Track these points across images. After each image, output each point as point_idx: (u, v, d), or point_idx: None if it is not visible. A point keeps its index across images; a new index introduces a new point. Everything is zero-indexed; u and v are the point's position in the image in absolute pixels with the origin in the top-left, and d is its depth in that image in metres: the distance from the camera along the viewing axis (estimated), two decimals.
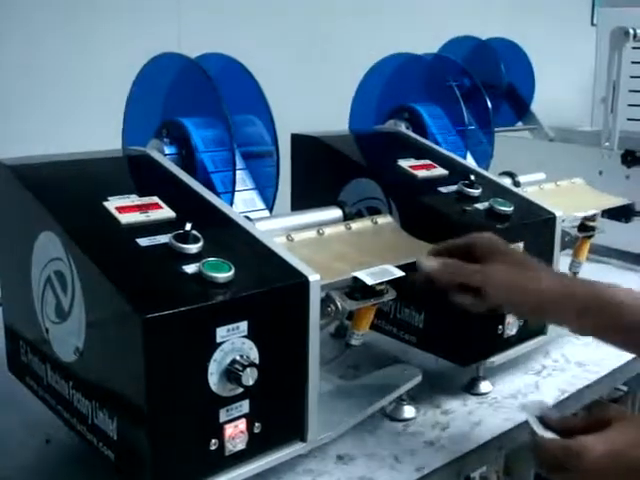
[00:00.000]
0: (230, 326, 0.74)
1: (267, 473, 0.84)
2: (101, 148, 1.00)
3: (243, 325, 0.75)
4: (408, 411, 1.04)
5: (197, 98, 1.05)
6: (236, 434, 0.78)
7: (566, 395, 1.12)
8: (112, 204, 0.84)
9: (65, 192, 0.88)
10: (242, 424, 0.78)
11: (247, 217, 0.92)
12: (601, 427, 0.76)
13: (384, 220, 1.06)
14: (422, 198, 1.10)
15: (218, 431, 0.76)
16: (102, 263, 0.76)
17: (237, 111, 1.04)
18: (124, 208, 0.84)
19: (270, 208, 1.07)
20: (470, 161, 1.34)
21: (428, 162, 1.19)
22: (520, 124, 1.95)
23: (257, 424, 0.79)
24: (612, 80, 1.75)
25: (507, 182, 1.24)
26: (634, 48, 1.82)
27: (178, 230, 0.79)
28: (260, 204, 1.06)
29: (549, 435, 0.78)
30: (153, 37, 1.52)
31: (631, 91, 1.97)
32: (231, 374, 0.74)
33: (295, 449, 0.85)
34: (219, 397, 0.75)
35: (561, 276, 0.99)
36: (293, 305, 0.81)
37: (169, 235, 0.79)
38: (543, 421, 0.80)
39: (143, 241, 0.79)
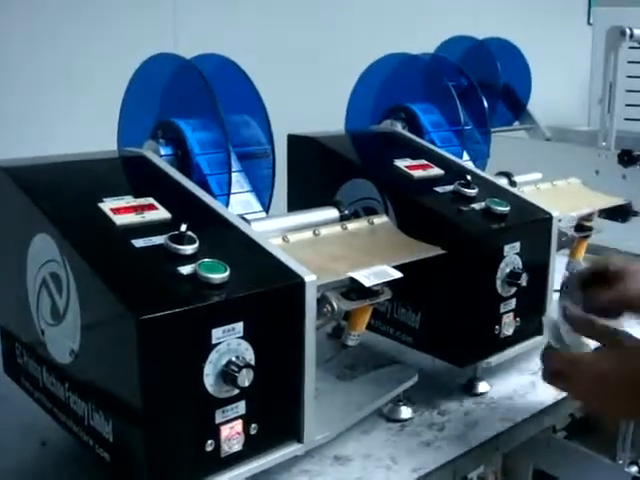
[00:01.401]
0: (226, 327, 0.74)
1: (263, 474, 0.84)
2: (96, 149, 1.00)
3: (239, 326, 0.75)
4: (405, 412, 1.03)
5: (192, 99, 1.04)
6: (232, 435, 0.77)
7: (563, 395, 1.12)
8: (107, 205, 0.84)
9: (60, 194, 0.88)
10: (238, 425, 0.78)
11: (243, 218, 0.92)
12: (613, 344, 0.82)
13: (380, 220, 1.06)
14: (418, 198, 1.10)
15: (214, 432, 0.76)
16: (97, 264, 0.76)
17: (233, 112, 1.04)
18: (119, 209, 0.84)
19: (266, 209, 1.07)
20: (466, 161, 1.34)
21: (424, 162, 1.18)
22: (516, 124, 1.95)
23: (253, 425, 0.79)
24: (608, 80, 1.76)
25: (503, 182, 1.24)
26: (630, 48, 1.82)
27: (173, 231, 0.79)
28: (256, 206, 1.06)
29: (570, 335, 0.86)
30: (149, 37, 1.52)
31: (628, 91, 1.97)
32: (227, 375, 0.74)
33: (291, 450, 0.84)
34: (215, 398, 0.75)
35: None
36: (289, 306, 0.80)
37: (164, 236, 0.79)
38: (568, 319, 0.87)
39: (138, 242, 0.79)
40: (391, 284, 0.91)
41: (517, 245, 1.05)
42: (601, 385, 0.80)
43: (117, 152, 1.06)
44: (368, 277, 0.88)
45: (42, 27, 1.44)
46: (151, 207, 0.86)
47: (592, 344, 0.88)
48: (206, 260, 0.77)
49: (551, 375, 0.85)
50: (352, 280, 0.87)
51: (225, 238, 0.86)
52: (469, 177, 1.12)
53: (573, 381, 0.82)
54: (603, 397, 0.81)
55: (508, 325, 1.08)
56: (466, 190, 1.11)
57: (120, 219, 0.82)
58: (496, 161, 1.39)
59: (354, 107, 1.40)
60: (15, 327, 0.96)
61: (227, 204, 1.01)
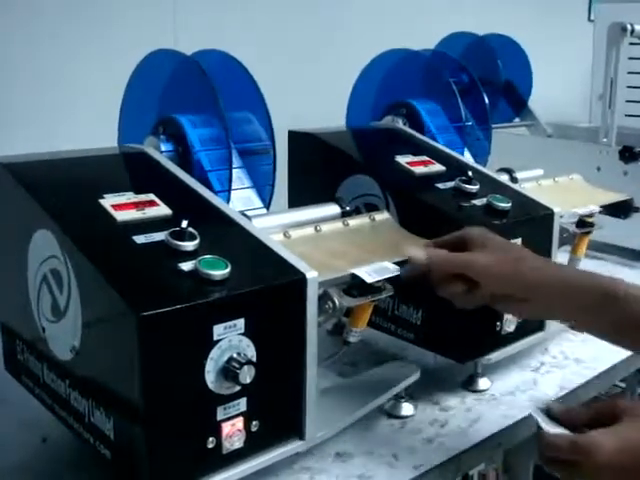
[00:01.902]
0: (227, 324, 0.74)
1: (265, 471, 0.84)
2: (97, 145, 0.99)
3: (240, 323, 0.75)
4: (406, 408, 1.03)
5: (193, 95, 1.04)
6: (233, 432, 0.77)
7: (564, 392, 1.12)
8: (108, 202, 0.84)
9: (61, 190, 0.87)
10: (239, 422, 0.78)
11: (244, 214, 0.92)
12: (610, 420, 0.73)
13: (382, 217, 1.06)
14: (420, 194, 1.10)
15: (215, 429, 0.76)
16: (98, 261, 0.75)
17: (233, 108, 1.04)
18: (120, 206, 0.83)
19: (267, 205, 1.06)
20: (468, 157, 1.33)
21: (426, 158, 1.18)
22: (517, 120, 1.94)
23: (255, 422, 0.79)
24: (610, 76, 1.75)
25: (505, 178, 1.24)
26: (631, 44, 1.82)
27: (174, 227, 0.79)
28: (257, 202, 1.06)
29: (555, 429, 0.75)
30: (148, 35, 1.52)
31: (629, 87, 1.96)
32: (228, 372, 0.74)
33: (293, 447, 0.84)
34: (216, 395, 0.75)
35: (556, 265, 0.99)
36: (290, 302, 0.80)
37: (165, 232, 0.79)
38: (548, 414, 0.78)
39: (139, 238, 0.79)
40: (392, 281, 0.90)
41: (519, 241, 1.05)
42: (634, 460, 0.71)
43: (118, 148, 1.06)
44: (370, 273, 0.88)
45: (42, 26, 1.43)
46: (152, 203, 0.86)
47: None
48: (207, 256, 0.76)
49: (556, 465, 0.75)
50: (353, 276, 0.87)
51: (226, 234, 0.86)
52: (470, 173, 1.12)
53: (586, 468, 0.72)
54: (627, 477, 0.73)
55: (509, 321, 1.07)
56: (467, 186, 1.10)
57: (121, 215, 0.82)
58: (497, 157, 1.39)
59: (355, 103, 1.40)
60: (16, 324, 0.96)
61: (228, 200, 1.01)
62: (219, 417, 0.76)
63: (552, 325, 1.15)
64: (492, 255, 0.89)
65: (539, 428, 0.76)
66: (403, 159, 1.16)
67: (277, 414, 0.82)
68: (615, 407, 0.75)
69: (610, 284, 0.87)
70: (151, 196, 0.87)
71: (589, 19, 2.80)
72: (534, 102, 1.92)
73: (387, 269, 0.89)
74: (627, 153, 1.66)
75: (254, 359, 0.76)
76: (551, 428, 0.76)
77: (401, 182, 1.13)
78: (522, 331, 1.11)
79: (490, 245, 0.91)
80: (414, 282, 0.91)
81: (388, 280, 0.90)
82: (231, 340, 0.75)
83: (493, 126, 1.44)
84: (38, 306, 0.87)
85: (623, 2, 2.23)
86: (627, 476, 0.72)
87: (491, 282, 0.89)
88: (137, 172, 0.98)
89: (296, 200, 1.21)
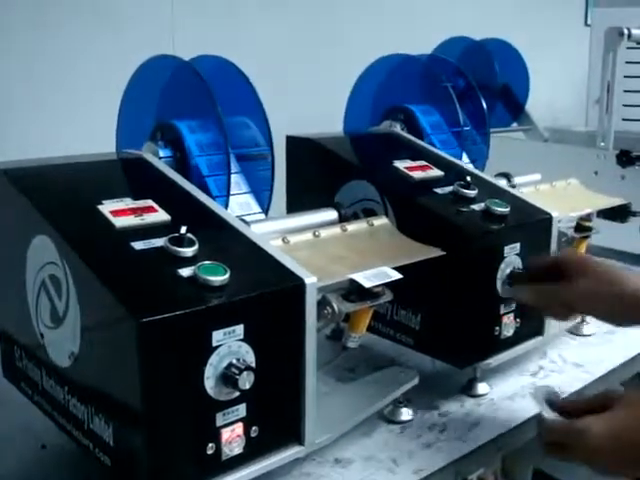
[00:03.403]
0: (226, 329, 0.74)
1: (264, 477, 0.83)
2: (95, 151, 0.99)
3: (239, 328, 0.75)
4: (405, 413, 1.03)
5: (191, 100, 1.04)
6: (233, 438, 0.77)
7: (563, 396, 1.11)
8: (106, 207, 0.84)
9: (59, 196, 0.87)
10: (239, 428, 0.77)
11: (242, 220, 0.92)
12: (603, 409, 0.79)
13: (380, 222, 1.06)
14: (418, 199, 1.10)
15: (215, 435, 0.76)
16: (97, 267, 0.75)
17: (231, 113, 1.04)
18: (118, 212, 0.83)
19: (265, 211, 1.06)
20: (466, 162, 1.34)
21: (424, 163, 1.18)
22: (515, 125, 1.95)
23: (254, 428, 0.79)
24: (607, 80, 1.76)
25: (503, 183, 1.24)
26: (628, 48, 1.82)
27: (173, 233, 0.79)
28: (255, 207, 1.06)
29: (554, 416, 0.81)
30: (146, 40, 1.52)
31: (626, 91, 1.97)
32: (227, 378, 0.74)
33: (292, 452, 0.84)
34: (215, 401, 0.75)
35: None
36: (289, 308, 0.80)
37: (164, 238, 0.79)
38: (550, 403, 0.84)
39: (138, 244, 0.79)
40: (391, 286, 0.90)
41: (517, 246, 1.05)
42: (621, 444, 0.77)
43: (116, 154, 1.06)
44: (368, 278, 0.88)
45: (41, 31, 1.43)
46: (150, 209, 0.85)
47: None
48: (206, 262, 0.76)
49: (553, 448, 0.82)
50: (352, 282, 0.87)
51: (225, 240, 0.86)
52: (468, 178, 1.12)
53: (579, 451, 0.79)
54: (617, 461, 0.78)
55: (508, 326, 1.07)
56: (466, 191, 1.10)
57: (119, 221, 0.82)
58: (495, 162, 1.39)
59: (353, 108, 1.40)
60: (14, 330, 0.96)
61: (226, 206, 1.01)
62: (218, 423, 0.76)
63: (551, 329, 1.15)
64: (591, 283, 0.92)
65: (539, 415, 0.83)
66: (401, 164, 1.16)
67: (276, 420, 0.82)
68: (608, 397, 0.81)
69: None
70: (149, 202, 0.87)
71: (586, 23, 2.80)
72: (531, 106, 1.93)
73: (386, 274, 0.89)
74: (624, 157, 1.66)
75: (253, 365, 0.76)
76: (550, 415, 0.82)
77: (399, 187, 1.13)
78: (521, 335, 1.11)
79: (588, 270, 0.94)
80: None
81: (387, 285, 0.90)
82: (230, 346, 0.75)
83: (491, 130, 1.44)
84: (37, 312, 0.87)
85: (620, 7, 2.24)
86: (618, 458, 0.77)
87: (591, 309, 0.96)
88: (135, 178, 0.98)
89: (294, 205, 1.21)
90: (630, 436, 0.76)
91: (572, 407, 0.84)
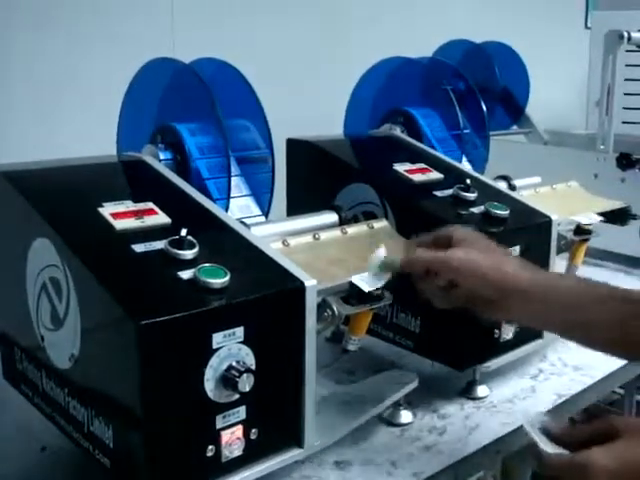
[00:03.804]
0: (226, 332, 0.74)
1: (264, 479, 0.84)
2: (96, 153, 0.99)
3: (239, 331, 0.75)
4: (405, 416, 1.03)
5: (191, 103, 1.04)
6: (233, 440, 0.77)
7: (563, 399, 1.12)
8: (107, 210, 0.84)
9: (59, 198, 0.88)
10: (239, 430, 0.78)
11: (243, 222, 0.92)
12: (606, 438, 0.72)
13: (380, 225, 1.06)
14: (418, 202, 1.10)
15: (214, 437, 0.76)
16: (97, 269, 0.75)
17: (232, 116, 1.04)
18: (119, 214, 0.84)
19: (266, 213, 1.06)
20: (465, 165, 1.34)
21: (423, 166, 1.18)
22: (515, 128, 1.95)
23: (254, 430, 0.79)
24: (607, 83, 1.76)
25: (503, 186, 1.24)
26: (628, 51, 1.83)
27: (173, 236, 0.79)
28: (256, 210, 1.06)
29: (553, 449, 0.75)
30: (146, 43, 1.52)
31: (626, 94, 1.97)
32: (227, 380, 0.74)
33: (292, 455, 0.84)
34: (215, 403, 0.75)
35: (546, 273, 0.98)
36: (289, 310, 0.80)
37: (164, 241, 0.79)
38: (545, 432, 0.77)
39: (138, 247, 0.79)
40: (391, 288, 0.90)
41: (517, 249, 1.05)
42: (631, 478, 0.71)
43: (116, 157, 1.06)
44: (368, 282, 0.88)
45: (42, 32, 1.43)
46: (151, 212, 0.86)
47: None
48: (206, 265, 0.76)
49: None
50: (352, 285, 0.87)
51: (225, 243, 0.86)
52: (468, 181, 1.12)
53: None
54: None
55: (508, 329, 1.08)
56: (465, 194, 1.11)
57: (120, 224, 0.82)
58: (495, 165, 1.39)
59: (353, 111, 1.40)
60: (14, 332, 0.96)
61: (226, 208, 1.01)
62: (218, 425, 0.76)
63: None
64: (474, 253, 0.87)
65: (534, 445, 0.76)
66: (401, 167, 1.17)
67: (276, 422, 0.82)
68: (611, 424, 0.74)
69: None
70: (150, 204, 0.87)
71: (586, 26, 2.80)
72: (531, 109, 1.93)
73: (385, 277, 0.89)
74: (624, 160, 1.66)
75: (253, 367, 0.76)
76: (548, 447, 0.75)
77: (399, 190, 1.13)
78: (520, 338, 1.11)
79: (476, 244, 0.90)
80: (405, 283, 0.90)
81: (387, 288, 0.90)
82: (230, 348, 0.75)
83: (491, 133, 1.44)
84: (37, 314, 0.87)
85: (620, 10, 2.24)
86: None
87: (468, 279, 0.87)
88: (136, 180, 0.99)
89: (295, 208, 1.21)
90: (637, 468, 0.70)
91: (570, 437, 0.77)
